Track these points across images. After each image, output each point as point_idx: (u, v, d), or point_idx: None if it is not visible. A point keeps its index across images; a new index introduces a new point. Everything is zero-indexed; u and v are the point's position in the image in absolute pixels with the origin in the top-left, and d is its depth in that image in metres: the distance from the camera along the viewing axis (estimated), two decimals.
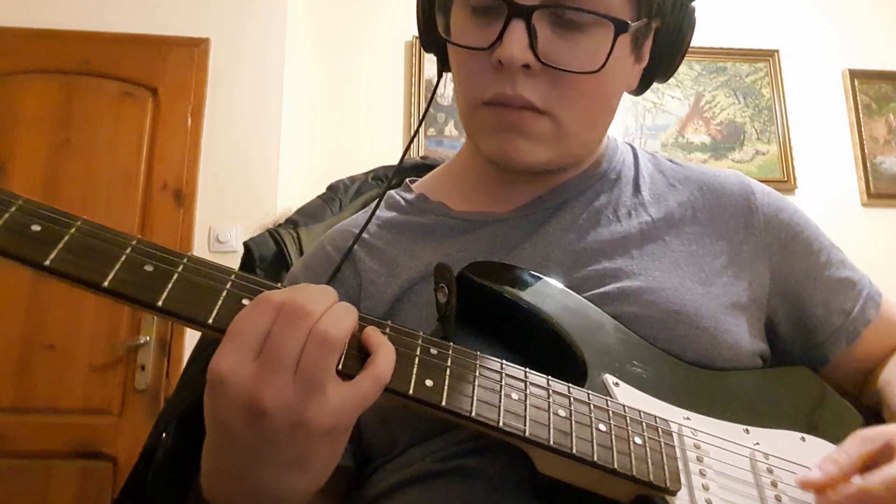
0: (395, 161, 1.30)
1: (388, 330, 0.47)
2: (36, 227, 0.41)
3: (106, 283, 0.41)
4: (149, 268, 0.42)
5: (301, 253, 1.00)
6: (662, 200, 0.68)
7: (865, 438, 0.53)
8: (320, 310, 0.42)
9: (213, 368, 0.41)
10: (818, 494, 0.50)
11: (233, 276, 0.45)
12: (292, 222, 1.08)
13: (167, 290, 0.42)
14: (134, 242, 0.43)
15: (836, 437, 0.56)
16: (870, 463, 0.51)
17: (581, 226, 0.65)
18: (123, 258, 0.42)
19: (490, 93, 0.60)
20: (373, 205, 0.71)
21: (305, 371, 0.41)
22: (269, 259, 1.00)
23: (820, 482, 0.50)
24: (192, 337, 2.11)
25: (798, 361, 0.69)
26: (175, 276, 0.43)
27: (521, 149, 0.61)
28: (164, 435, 0.97)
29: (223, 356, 0.41)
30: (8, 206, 0.41)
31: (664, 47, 0.64)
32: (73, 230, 0.42)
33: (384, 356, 0.44)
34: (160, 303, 0.41)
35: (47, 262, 0.40)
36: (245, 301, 0.44)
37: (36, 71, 2.25)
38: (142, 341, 2.10)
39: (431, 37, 0.67)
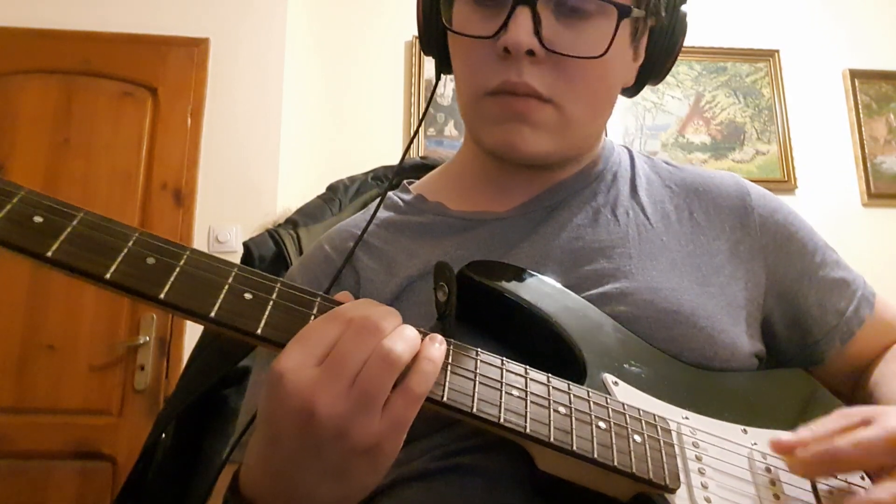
0: (394, 161, 1.31)
1: None
2: (38, 219, 0.41)
3: (108, 276, 0.41)
4: (151, 260, 0.42)
5: (300, 253, 1.00)
6: (659, 201, 0.69)
7: (844, 414, 0.54)
8: (389, 328, 0.43)
9: (275, 366, 0.41)
10: (787, 455, 0.52)
11: (235, 270, 0.45)
12: (292, 222, 1.08)
13: (169, 282, 0.42)
14: (136, 235, 0.43)
15: None
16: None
17: (579, 225, 0.66)
18: (126, 250, 0.42)
19: (495, 82, 0.60)
20: (372, 205, 0.71)
21: (362, 385, 0.41)
22: (268, 259, 1.00)
23: (790, 443, 0.52)
24: (191, 337, 2.11)
25: (793, 361, 0.69)
26: (177, 269, 0.43)
27: (525, 138, 0.61)
28: (163, 435, 0.97)
29: (287, 356, 0.41)
30: (10, 197, 0.41)
31: (658, 47, 0.67)
32: (75, 222, 0.42)
33: (417, 370, 0.43)
34: (162, 295, 0.41)
35: (49, 254, 0.40)
36: (247, 295, 0.44)
37: (36, 71, 2.25)
38: (141, 341, 2.10)
39: (432, 36, 0.68)
